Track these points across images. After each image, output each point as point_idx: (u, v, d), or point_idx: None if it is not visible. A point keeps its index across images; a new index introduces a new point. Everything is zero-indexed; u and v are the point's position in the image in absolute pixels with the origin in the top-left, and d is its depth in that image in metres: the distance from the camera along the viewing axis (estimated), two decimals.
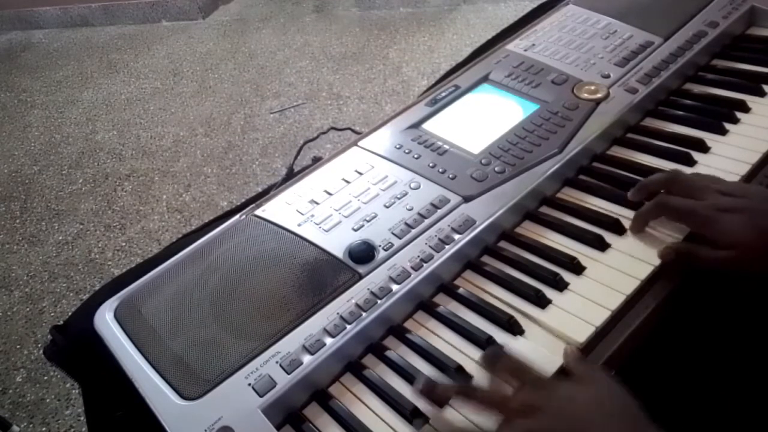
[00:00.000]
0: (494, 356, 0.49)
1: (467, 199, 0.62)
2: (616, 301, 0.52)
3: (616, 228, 0.58)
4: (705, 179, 0.57)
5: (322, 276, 0.57)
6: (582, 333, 0.50)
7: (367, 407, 0.50)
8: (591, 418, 0.42)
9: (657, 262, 0.54)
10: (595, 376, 0.46)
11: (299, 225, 0.62)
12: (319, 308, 0.55)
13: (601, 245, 0.57)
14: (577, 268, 0.56)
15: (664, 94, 0.74)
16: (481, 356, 0.50)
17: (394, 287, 0.55)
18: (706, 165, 0.63)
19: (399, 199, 0.63)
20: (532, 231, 0.61)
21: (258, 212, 0.65)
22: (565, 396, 0.44)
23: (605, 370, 0.48)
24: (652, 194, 0.59)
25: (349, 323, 0.53)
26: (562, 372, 0.49)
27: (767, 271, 0.51)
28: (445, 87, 0.77)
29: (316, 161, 0.73)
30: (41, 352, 1.65)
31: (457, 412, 0.48)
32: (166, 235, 2.03)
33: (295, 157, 0.93)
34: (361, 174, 0.67)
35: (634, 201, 0.59)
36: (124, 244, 2.03)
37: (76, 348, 0.63)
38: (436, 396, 0.48)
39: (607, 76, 0.73)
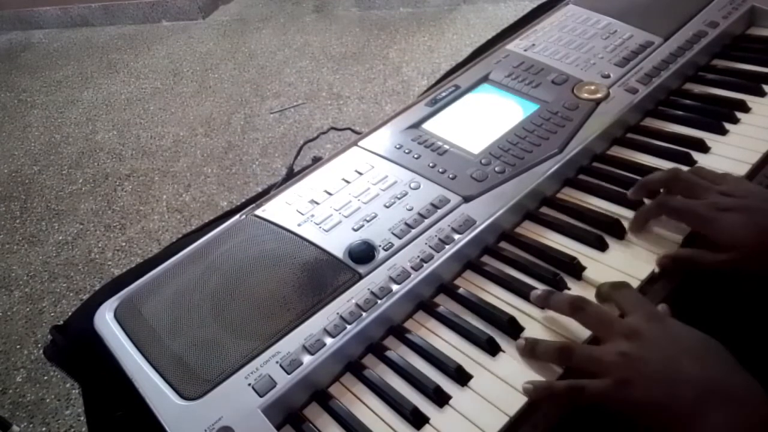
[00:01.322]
0: (616, 286, 0.51)
1: (467, 199, 0.62)
2: None
3: (616, 228, 0.58)
4: (705, 176, 0.57)
5: (322, 276, 0.57)
6: (583, 332, 0.50)
7: (367, 407, 0.50)
8: (688, 357, 0.43)
9: None
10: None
11: (299, 225, 0.62)
12: (319, 308, 0.55)
13: (601, 245, 0.57)
14: (577, 268, 0.56)
15: (664, 94, 0.74)
16: (609, 284, 0.52)
17: (394, 287, 0.55)
18: (706, 165, 0.62)
19: (399, 199, 0.63)
20: (532, 231, 0.61)
21: (258, 212, 0.65)
22: (671, 332, 0.45)
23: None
24: (652, 193, 0.59)
25: (349, 323, 0.53)
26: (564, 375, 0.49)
27: (766, 272, 0.51)
28: (445, 87, 0.77)
29: (316, 161, 0.73)
30: (41, 352, 1.64)
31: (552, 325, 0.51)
32: (166, 235, 2.03)
33: (295, 157, 0.93)
34: (361, 174, 0.67)
35: (634, 200, 0.59)
36: (124, 244, 2.03)
37: (76, 348, 0.63)
38: (549, 305, 0.51)
39: (607, 76, 0.73)
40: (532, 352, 0.49)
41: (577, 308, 0.49)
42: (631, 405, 0.43)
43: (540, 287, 0.54)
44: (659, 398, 0.42)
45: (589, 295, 0.53)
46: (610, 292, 0.51)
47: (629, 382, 0.43)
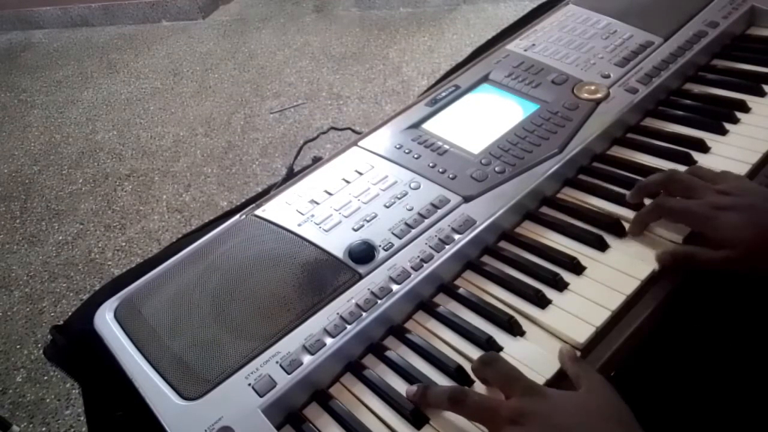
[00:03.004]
0: (485, 363, 0.48)
1: (467, 199, 0.62)
2: (616, 301, 0.52)
3: (616, 228, 0.58)
4: (703, 175, 0.57)
5: (322, 276, 0.57)
6: (582, 333, 0.50)
7: (367, 407, 0.50)
8: (579, 427, 0.42)
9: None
10: (589, 377, 0.46)
11: (299, 225, 0.62)
12: (319, 308, 0.55)
13: (601, 245, 0.57)
14: (577, 268, 0.56)
15: (664, 94, 0.74)
16: (472, 365, 0.49)
17: (394, 287, 0.55)
18: (706, 165, 0.62)
19: (399, 199, 0.63)
20: (532, 231, 0.61)
21: (258, 212, 0.65)
22: (556, 404, 0.43)
23: (597, 373, 0.47)
24: (650, 195, 0.59)
25: (349, 323, 0.53)
26: (561, 375, 0.49)
27: (766, 271, 0.51)
28: (445, 87, 0.77)
29: (316, 161, 0.73)
30: (41, 352, 1.65)
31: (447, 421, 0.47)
32: (166, 235, 2.03)
33: (295, 157, 0.93)
34: (361, 174, 0.67)
35: (633, 203, 0.59)
36: (124, 244, 2.03)
37: (76, 348, 0.63)
38: (427, 402, 0.47)
39: (607, 76, 0.73)
40: (423, 397, 0.47)
41: (455, 401, 0.46)
42: None
43: (415, 385, 0.49)
44: None
45: (591, 290, 0.53)
46: (479, 369, 0.48)
47: None
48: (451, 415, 0.47)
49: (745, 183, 0.57)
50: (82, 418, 1.51)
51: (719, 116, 0.68)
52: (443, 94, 0.76)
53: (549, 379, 0.48)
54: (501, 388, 0.46)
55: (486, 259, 0.60)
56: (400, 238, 0.59)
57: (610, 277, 0.54)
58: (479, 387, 0.49)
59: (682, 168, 0.62)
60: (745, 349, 0.60)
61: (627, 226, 0.58)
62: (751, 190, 0.54)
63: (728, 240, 0.51)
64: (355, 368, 0.53)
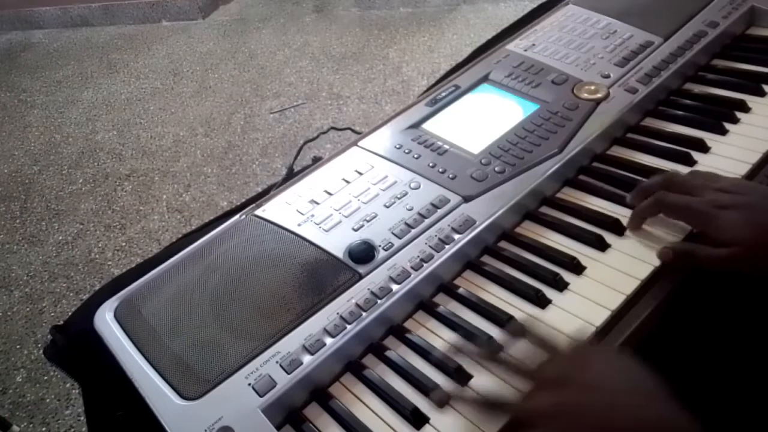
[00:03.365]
0: (528, 326, 0.49)
1: (467, 199, 0.62)
2: (616, 301, 0.52)
3: (616, 228, 0.58)
4: (703, 177, 0.57)
5: (322, 276, 0.57)
6: (582, 333, 0.50)
7: (367, 407, 0.50)
8: (622, 394, 0.42)
9: (657, 262, 0.54)
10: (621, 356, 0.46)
11: (299, 225, 0.63)
12: (319, 308, 0.55)
13: (601, 245, 0.57)
14: (577, 268, 0.56)
15: (664, 94, 0.74)
16: (513, 325, 0.50)
17: (394, 287, 0.55)
18: (706, 165, 0.63)
19: (399, 199, 0.63)
20: (532, 231, 0.61)
21: (258, 212, 0.65)
22: (598, 369, 0.44)
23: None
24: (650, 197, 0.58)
25: (349, 323, 0.53)
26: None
27: (766, 270, 0.51)
28: (445, 87, 0.77)
29: (316, 161, 0.73)
30: (41, 352, 1.65)
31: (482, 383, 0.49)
32: (166, 235, 2.03)
33: (295, 157, 0.93)
34: (361, 174, 0.67)
35: (633, 205, 0.59)
36: (124, 244, 2.03)
37: (76, 348, 0.63)
38: (470, 358, 0.49)
39: (607, 76, 0.73)
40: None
41: (498, 360, 0.47)
42: None
43: (519, 301, 0.51)
44: None
45: (591, 290, 0.53)
46: (527, 334, 0.48)
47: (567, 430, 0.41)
48: (451, 416, 0.47)
49: (745, 183, 0.57)
50: (82, 418, 1.51)
51: (719, 116, 0.68)
52: (443, 94, 0.76)
53: None
54: (545, 351, 0.47)
55: (486, 259, 0.60)
56: (400, 238, 0.59)
57: (610, 277, 0.54)
58: (480, 381, 0.49)
59: (682, 168, 0.62)
60: (746, 348, 0.60)
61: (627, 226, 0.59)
62: (751, 189, 0.54)
63: (729, 238, 0.51)
64: (355, 368, 0.53)
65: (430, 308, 0.56)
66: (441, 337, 0.54)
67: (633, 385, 0.43)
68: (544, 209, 0.63)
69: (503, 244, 0.61)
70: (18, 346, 1.75)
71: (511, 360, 0.47)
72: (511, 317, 0.52)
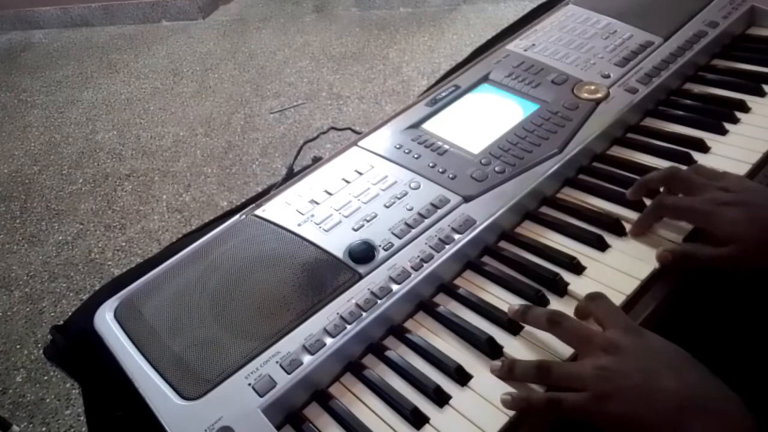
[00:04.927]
0: (592, 298, 0.50)
1: (467, 199, 0.62)
2: (616, 301, 0.52)
3: (616, 228, 0.58)
4: (704, 173, 0.57)
5: (322, 276, 0.57)
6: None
7: (367, 407, 0.50)
8: (666, 372, 0.43)
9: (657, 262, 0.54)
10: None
11: (299, 225, 0.62)
12: (319, 308, 0.55)
13: (601, 245, 0.57)
14: (577, 268, 0.56)
15: (664, 94, 0.74)
16: (579, 303, 0.52)
17: (394, 287, 0.55)
18: (706, 165, 0.63)
19: (399, 199, 0.63)
20: (532, 231, 0.61)
21: (258, 212, 0.65)
22: (651, 345, 0.45)
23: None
24: (650, 192, 0.59)
25: (349, 323, 0.53)
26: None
27: (767, 268, 0.51)
28: (445, 87, 0.77)
29: (316, 161, 0.73)
30: (41, 352, 1.65)
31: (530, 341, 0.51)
32: (166, 235, 2.03)
33: (295, 157, 0.93)
34: (361, 174, 0.67)
35: (633, 200, 0.59)
36: (124, 244, 2.03)
37: (76, 348, 0.63)
38: (526, 320, 0.51)
39: (607, 76, 0.73)
40: (510, 372, 0.48)
41: (554, 323, 0.49)
42: (610, 419, 0.42)
43: (517, 303, 0.53)
44: (638, 411, 0.41)
45: (591, 290, 0.53)
46: (586, 304, 0.50)
47: (608, 396, 0.43)
48: (451, 416, 0.47)
49: (746, 181, 0.57)
50: (82, 418, 1.51)
51: (719, 116, 0.68)
52: (443, 94, 0.76)
53: None
54: (603, 321, 0.48)
55: (486, 259, 0.60)
56: (400, 238, 0.59)
57: (610, 277, 0.54)
58: (480, 381, 0.49)
59: (680, 167, 0.62)
60: (746, 348, 0.60)
61: (627, 226, 0.58)
62: (752, 188, 0.54)
63: (730, 236, 0.51)
64: (355, 368, 0.53)
65: (430, 308, 0.56)
66: (441, 337, 0.54)
67: (679, 359, 0.44)
68: (544, 209, 0.63)
69: (503, 244, 0.61)
70: (18, 346, 1.75)
71: (571, 323, 0.48)
72: (510, 318, 0.52)
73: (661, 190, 0.58)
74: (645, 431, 0.41)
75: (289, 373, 0.50)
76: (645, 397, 0.42)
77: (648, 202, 0.58)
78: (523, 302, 0.53)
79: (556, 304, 0.54)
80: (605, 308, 0.49)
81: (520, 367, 0.48)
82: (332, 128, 0.99)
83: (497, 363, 0.49)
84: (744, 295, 0.59)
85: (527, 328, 0.52)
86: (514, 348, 0.51)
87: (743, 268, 0.52)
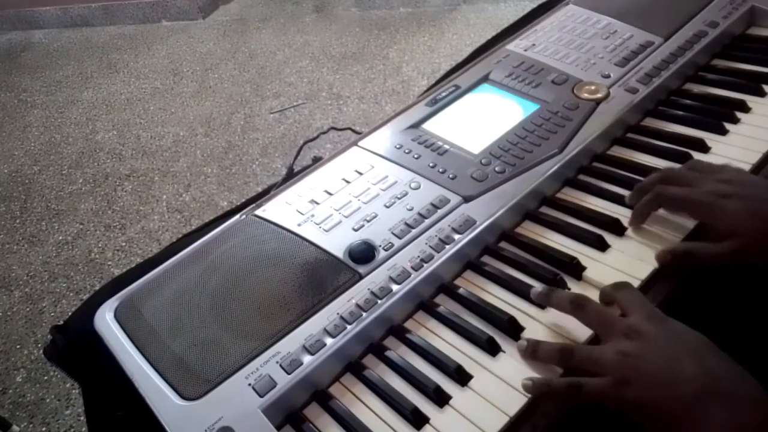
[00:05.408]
0: (617, 288, 0.50)
1: (467, 199, 0.62)
2: None
3: (616, 228, 0.58)
4: (703, 168, 0.56)
5: (322, 276, 0.57)
6: (583, 332, 0.50)
7: (367, 407, 0.50)
8: (687, 358, 0.43)
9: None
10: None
11: (299, 225, 0.62)
12: (320, 308, 0.55)
13: (601, 245, 0.57)
14: (577, 268, 0.56)
15: (665, 94, 0.74)
16: (603, 288, 0.52)
17: (395, 287, 0.55)
18: (708, 163, 0.63)
19: (399, 199, 0.63)
20: (532, 231, 0.61)
21: (258, 212, 0.65)
22: (673, 332, 0.45)
23: None
24: None
25: (350, 323, 0.53)
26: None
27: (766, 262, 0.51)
28: (445, 87, 0.77)
29: (316, 161, 0.73)
30: (41, 352, 1.65)
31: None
32: (166, 235, 2.03)
33: (295, 157, 0.93)
34: (361, 174, 0.67)
35: (633, 204, 0.59)
36: (124, 244, 2.03)
37: (76, 348, 0.63)
38: (550, 302, 0.51)
39: (608, 76, 0.73)
40: (534, 353, 0.49)
41: (578, 306, 0.49)
42: (631, 404, 0.43)
43: (540, 286, 0.54)
44: (659, 397, 0.42)
45: (590, 294, 0.53)
46: (611, 292, 0.51)
47: (628, 381, 0.43)
48: (451, 416, 0.47)
49: (745, 174, 0.57)
50: (82, 418, 1.51)
51: (719, 116, 0.68)
52: (443, 94, 0.76)
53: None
54: (627, 308, 0.48)
55: (486, 259, 0.60)
56: (400, 238, 0.59)
57: (611, 277, 0.54)
58: (480, 381, 0.49)
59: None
60: (746, 348, 0.60)
61: (627, 226, 0.58)
62: (751, 181, 0.54)
63: (730, 229, 0.51)
64: (355, 368, 0.53)
65: (430, 308, 0.56)
66: (441, 337, 0.54)
67: (701, 346, 0.44)
68: (544, 209, 0.63)
69: (503, 244, 0.61)
70: (18, 346, 1.75)
71: (595, 307, 0.49)
72: (511, 317, 0.52)
73: None
74: (664, 417, 0.41)
75: (289, 373, 0.50)
76: (666, 383, 0.42)
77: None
78: (541, 287, 0.53)
79: None
80: (631, 297, 0.49)
81: (543, 349, 0.49)
82: (332, 128, 0.99)
83: (522, 342, 0.50)
84: (745, 294, 0.59)
85: (527, 329, 0.52)
86: (515, 347, 0.51)
87: (744, 263, 0.52)
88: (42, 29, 3.77)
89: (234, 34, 3.23)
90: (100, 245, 2.05)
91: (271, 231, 0.63)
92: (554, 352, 0.48)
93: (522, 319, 0.53)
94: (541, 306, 0.53)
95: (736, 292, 0.59)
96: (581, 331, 0.50)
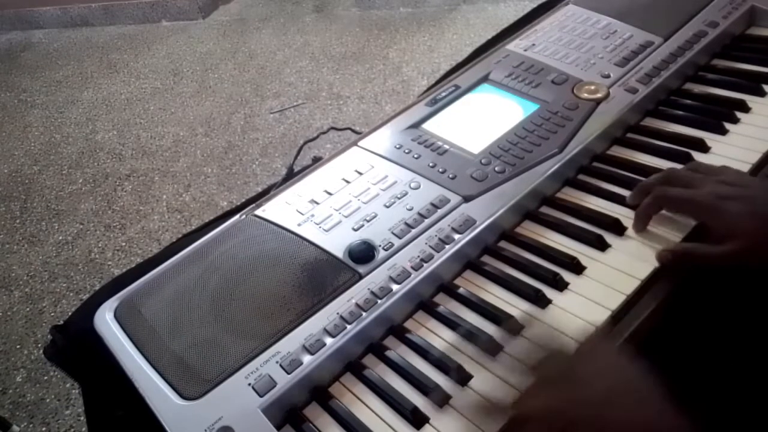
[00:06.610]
0: (526, 323, 0.50)
1: (467, 199, 0.62)
2: (616, 301, 0.52)
3: (616, 228, 0.58)
4: (703, 170, 0.56)
5: (322, 276, 0.57)
6: (582, 333, 0.50)
7: (367, 407, 0.50)
8: (615, 394, 0.42)
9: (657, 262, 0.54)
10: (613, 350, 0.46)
11: (299, 225, 0.62)
12: (319, 308, 0.55)
13: (601, 245, 0.57)
14: (577, 268, 0.56)
15: (664, 94, 0.74)
16: (511, 323, 0.51)
17: (394, 287, 0.55)
18: (708, 164, 0.63)
19: (399, 199, 0.63)
20: (532, 231, 0.61)
21: (258, 212, 0.65)
22: (592, 369, 0.44)
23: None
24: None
25: (349, 323, 0.53)
26: None
27: (767, 264, 0.51)
28: (445, 87, 0.77)
29: (316, 161, 0.73)
30: (41, 352, 1.65)
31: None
32: (166, 235, 2.03)
33: (295, 157, 0.93)
34: (361, 174, 0.67)
35: (633, 204, 0.59)
36: (124, 244, 2.03)
37: (76, 348, 0.63)
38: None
39: (607, 76, 0.73)
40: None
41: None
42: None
43: (519, 301, 0.52)
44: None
45: (591, 290, 0.53)
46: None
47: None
48: (451, 416, 0.47)
49: (745, 175, 0.57)
50: (82, 418, 1.51)
51: (719, 116, 0.68)
52: (443, 94, 0.76)
53: None
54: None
55: (486, 258, 0.60)
56: (400, 238, 0.59)
57: (610, 277, 0.54)
58: (480, 381, 0.49)
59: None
60: (746, 348, 0.60)
61: (627, 226, 0.58)
62: (752, 182, 0.54)
63: (731, 231, 0.51)
64: (355, 368, 0.53)
65: (430, 308, 0.56)
66: (441, 337, 0.54)
67: (627, 385, 0.42)
68: (544, 209, 0.63)
69: (503, 244, 0.61)
70: (18, 346, 1.75)
71: (509, 358, 0.47)
72: (511, 317, 0.52)
73: None
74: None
75: (289, 373, 0.50)
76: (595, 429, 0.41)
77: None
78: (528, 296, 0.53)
79: (557, 302, 0.54)
80: (540, 336, 0.50)
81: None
82: (332, 128, 0.99)
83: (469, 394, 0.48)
84: (745, 294, 0.59)
85: (526, 331, 0.52)
86: (515, 347, 0.51)
87: (745, 265, 0.52)
88: (42, 29, 3.76)
89: (234, 34, 3.23)
90: (100, 245, 2.05)
91: (271, 231, 0.63)
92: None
93: (520, 317, 0.53)
94: (541, 306, 0.53)
95: (736, 292, 0.58)
96: (581, 331, 0.50)
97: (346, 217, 0.62)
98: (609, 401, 0.41)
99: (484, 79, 0.77)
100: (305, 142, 0.97)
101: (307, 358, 0.51)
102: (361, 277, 0.57)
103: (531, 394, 0.45)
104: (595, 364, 0.44)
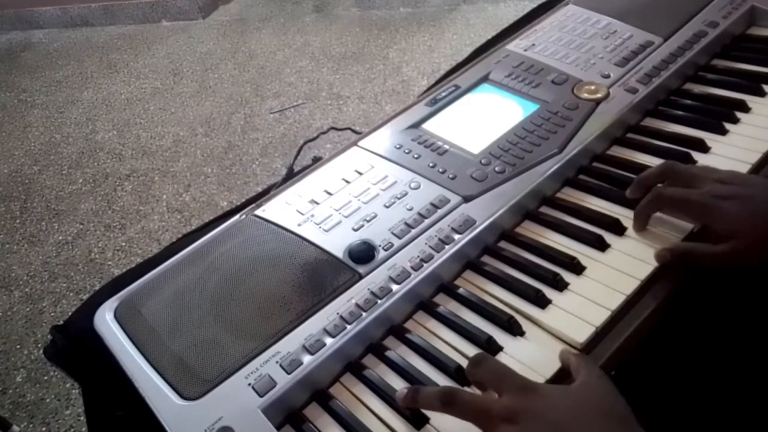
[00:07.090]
0: (474, 364, 0.46)
1: (467, 199, 0.62)
2: (616, 301, 0.52)
3: (616, 228, 0.58)
4: (701, 169, 0.56)
5: (322, 276, 0.57)
6: (582, 333, 0.50)
7: (367, 407, 0.50)
8: (575, 423, 0.41)
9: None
10: (588, 371, 0.45)
11: (299, 225, 0.62)
12: (319, 308, 0.55)
13: (601, 245, 0.57)
14: (577, 268, 0.56)
15: (664, 94, 0.74)
16: (465, 369, 0.47)
17: (394, 287, 0.55)
18: (706, 165, 0.63)
19: (399, 199, 0.63)
20: (532, 231, 0.61)
21: (258, 212, 0.65)
22: (550, 400, 0.42)
23: (598, 368, 0.47)
24: (650, 189, 0.58)
25: (349, 323, 0.53)
26: (560, 375, 0.48)
27: (766, 264, 0.50)
28: (445, 87, 0.77)
29: (316, 161, 0.73)
30: (41, 352, 1.65)
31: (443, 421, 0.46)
32: (166, 235, 2.03)
33: (295, 157, 0.93)
34: (361, 174, 0.67)
35: (633, 198, 0.59)
36: (124, 244, 2.03)
37: (76, 348, 0.63)
38: (419, 404, 0.46)
39: (607, 76, 0.73)
40: (413, 400, 0.46)
41: (447, 403, 0.44)
42: None
43: (405, 387, 0.49)
44: None
45: (591, 290, 0.53)
46: (471, 371, 0.46)
47: None
48: (451, 416, 0.47)
49: (744, 175, 0.56)
50: (82, 418, 1.51)
51: (719, 116, 0.68)
52: (443, 94, 0.76)
53: (549, 379, 0.48)
54: (493, 386, 0.45)
55: (486, 259, 0.60)
56: (400, 238, 0.59)
57: (610, 277, 0.54)
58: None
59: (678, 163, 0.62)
60: (746, 348, 0.60)
61: (627, 226, 0.58)
62: (750, 181, 0.54)
63: (730, 231, 0.51)
64: (355, 368, 0.53)
65: (430, 308, 0.56)
66: (441, 337, 0.54)
67: (592, 415, 0.41)
68: (544, 209, 0.63)
69: (503, 244, 0.61)
70: (18, 346, 1.75)
71: (463, 398, 0.44)
72: (511, 317, 0.52)
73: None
74: None
75: (289, 373, 0.50)
76: None
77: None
78: (405, 387, 0.48)
79: (557, 302, 0.54)
80: (492, 370, 0.45)
81: (424, 396, 0.46)
82: (332, 128, 0.99)
83: (402, 391, 0.47)
84: (745, 294, 0.59)
85: (527, 330, 0.52)
86: (514, 348, 0.51)
87: (744, 265, 0.52)
88: (42, 29, 3.76)
89: (234, 34, 3.23)
90: (100, 245, 2.05)
91: (271, 231, 0.63)
92: (434, 396, 0.45)
93: (522, 320, 0.53)
94: (541, 306, 0.53)
95: (736, 292, 0.59)
96: (582, 331, 0.50)
97: (346, 217, 0.62)
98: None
99: (484, 79, 0.77)
100: (305, 142, 0.97)
101: (307, 358, 0.51)
102: (361, 277, 0.57)
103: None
104: (554, 399, 0.43)
